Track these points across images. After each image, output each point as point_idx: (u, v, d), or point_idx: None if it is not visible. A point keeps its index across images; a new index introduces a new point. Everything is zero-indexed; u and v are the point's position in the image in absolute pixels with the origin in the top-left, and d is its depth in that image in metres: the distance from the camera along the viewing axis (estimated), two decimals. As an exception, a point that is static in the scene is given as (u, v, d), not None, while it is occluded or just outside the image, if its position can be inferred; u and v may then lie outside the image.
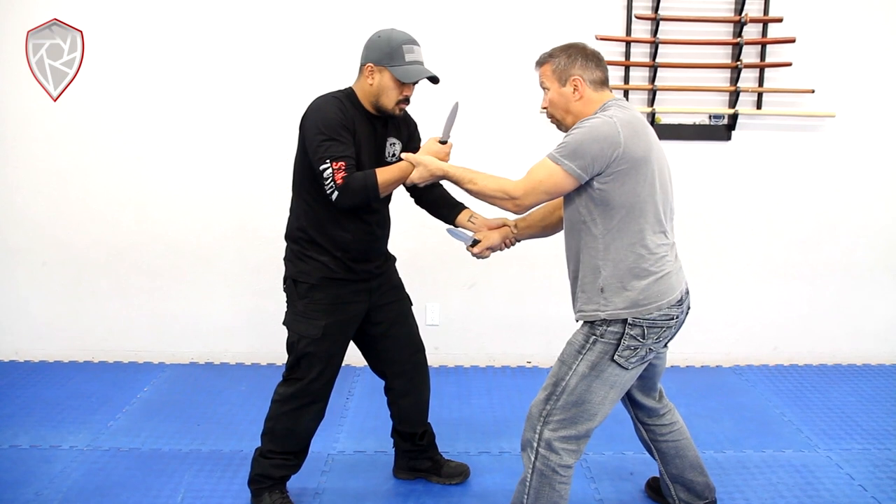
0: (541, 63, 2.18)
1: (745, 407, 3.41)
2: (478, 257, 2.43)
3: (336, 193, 2.17)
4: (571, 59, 2.12)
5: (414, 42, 2.29)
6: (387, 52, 2.24)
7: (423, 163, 2.26)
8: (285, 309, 2.43)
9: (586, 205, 2.06)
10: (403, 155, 2.31)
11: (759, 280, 3.90)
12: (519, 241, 2.47)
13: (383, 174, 2.23)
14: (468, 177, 2.19)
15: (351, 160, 2.20)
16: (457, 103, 2.42)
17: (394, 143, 2.42)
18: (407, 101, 2.32)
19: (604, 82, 2.14)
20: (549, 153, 2.06)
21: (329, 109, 2.23)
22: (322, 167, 2.17)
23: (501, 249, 2.46)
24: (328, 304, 2.36)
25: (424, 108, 3.69)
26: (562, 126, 2.19)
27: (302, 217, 2.36)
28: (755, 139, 3.75)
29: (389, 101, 2.28)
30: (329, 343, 2.38)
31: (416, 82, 2.30)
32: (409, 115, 2.50)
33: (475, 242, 2.37)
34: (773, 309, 3.92)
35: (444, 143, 2.36)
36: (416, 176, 2.28)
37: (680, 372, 3.85)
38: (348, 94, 2.33)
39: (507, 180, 2.14)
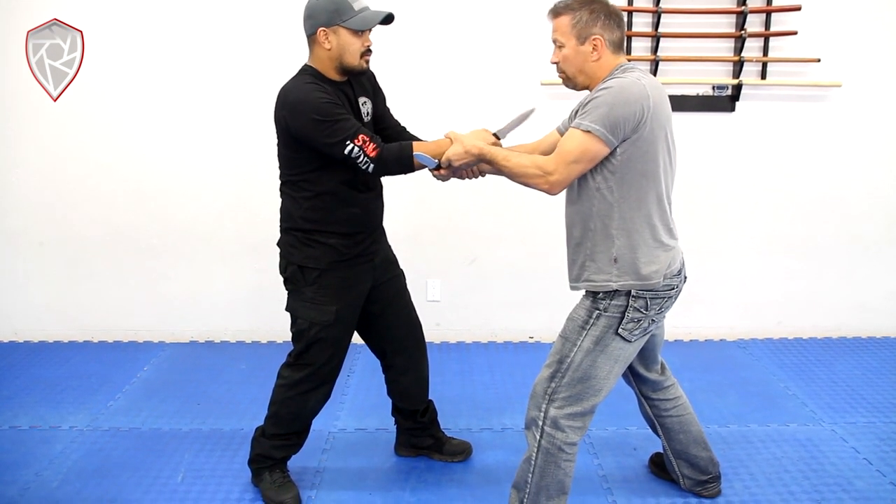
0: (557, 13, 2.05)
1: (749, 381, 3.39)
2: (440, 179, 2.31)
3: (372, 166, 2.17)
4: (594, 15, 2.00)
5: None
6: (333, 11, 2.17)
7: (460, 140, 2.18)
8: (287, 294, 2.39)
9: (602, 171, 1.99)
10: (446, 131, 2.25)
11: (763, 253, 3.85)
12: (483, 174, 2.32)
13: (419, 148, 2.20)
14: (503, 154, 2.10)
15: (365, 129, 2.17)
16: (532, 109, 2.35)
17: (365, 103, 2.36)
18: (369, 51, 2.25)
19: (621, 44, 2.05)
20: (574, 123, 1.99)
21: (311, 94, 2.15)
22: (346, 150, 2.13)
23: (466, 178, 2.33)
24: (338, 289, 2.33)
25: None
26: (570, 82, 2.11)
27: (304, 206, 2.29)
28: (760, 110, 3.68)
29: (353, 57, 2.21)
30: (341, 327, 2.36)
31: (373, 28, 2.22)
32: (368, 70, 2.38)
33: (439, 166, 2.25)
34: (778, 282, 3.88)
35: (496, 136, 2.28)
36: (451, 153, 2.18)
37: (684, 346, 3.83)
38: (311, 72, 2.24)
39: (541, 157, 2.06)
